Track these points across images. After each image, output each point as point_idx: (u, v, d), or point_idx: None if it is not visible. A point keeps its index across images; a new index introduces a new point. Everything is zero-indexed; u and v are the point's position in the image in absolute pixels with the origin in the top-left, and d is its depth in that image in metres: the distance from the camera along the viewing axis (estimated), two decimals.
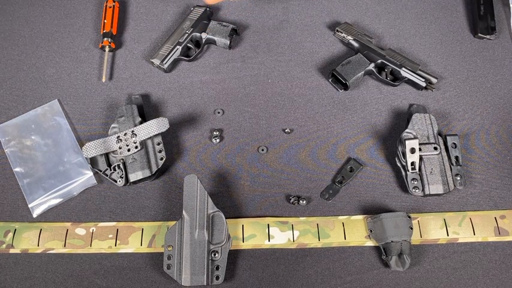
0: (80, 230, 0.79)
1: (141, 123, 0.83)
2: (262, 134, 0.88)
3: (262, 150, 0.86)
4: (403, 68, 0.89)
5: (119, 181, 0.80)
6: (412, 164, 0.79)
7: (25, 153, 0.85)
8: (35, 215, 0.80)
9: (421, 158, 0.80)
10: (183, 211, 0.75)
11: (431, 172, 0.79)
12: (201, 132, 0.88)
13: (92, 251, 0.78)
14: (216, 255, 0.73)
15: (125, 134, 0.81)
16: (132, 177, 0.80)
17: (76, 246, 0.78)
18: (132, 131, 0.81)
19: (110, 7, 0.96)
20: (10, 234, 0.78)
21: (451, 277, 0.75)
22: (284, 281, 0.75)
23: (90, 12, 1.00)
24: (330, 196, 0.81)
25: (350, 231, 0.78)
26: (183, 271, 0.72)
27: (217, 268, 0.73)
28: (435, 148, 0.81)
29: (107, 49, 0.92)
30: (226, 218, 0.75)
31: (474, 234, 0.78)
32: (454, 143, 0.81)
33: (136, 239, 0.78)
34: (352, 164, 0.83)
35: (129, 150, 0.81)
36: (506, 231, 0.78)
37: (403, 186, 0.81)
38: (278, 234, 0.78)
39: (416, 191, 0.79)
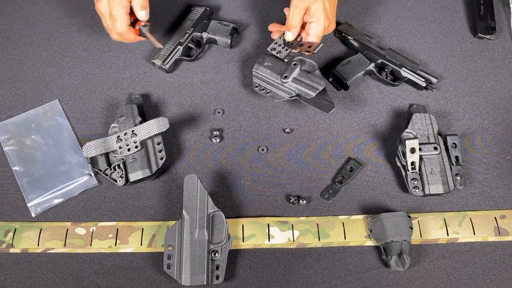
0: (80, 230, 0.79)
1: (141, 123, 0.83)
2: (262, 133, 0.88)
3: (263, 150, 0.86)
4: (403, 68, 0.89)
5: (119, 181, 0.80)
6: (412, 163, 0.79)
7: (25, 153, 0.85)
8: (34, 215, 0.80)
9: (421, 158, 0.80)
10: (183, 211, 0.75)
11: (431, 172, 0.79)
12: (201, 132, 0.88)
13: (92, 251, 0.78)
14: (216, 254, 0.73)
15: (125, 134, 0.81)
16: (132, 177, 0.80)
17: (76, 245, 0.78)
18: (132, 131, 0.81)
19: None
20: (10, 234, 0.79)
21: (451, 277, 0.75)
22: (284, 281, 0.75)
23: (90, 12, 1.00)
24: (330, 196, 0.81)
25: (350, 231, 0.78)
26: (183, 271, 0.72)
27: (217, 268, 0.73)
28: (435, 148, 0.81)
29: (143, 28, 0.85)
30: (226, 218, 0.75)
31: (474, 234, 0.78)
32: (454, 143, 0.81)
33: (136, 238, 0.78)
34: (352, 164, 0.83)
35: (129, 149, 0.81)
36: (506, 231, 0.78)
37: (403, 186, 0.81)
38: (278, 234, 0.78)
39: (416, 190, 0.79)
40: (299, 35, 0.84)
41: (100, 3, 0.80)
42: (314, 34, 0.81)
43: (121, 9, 0.79)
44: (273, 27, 0.91)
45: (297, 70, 0.83)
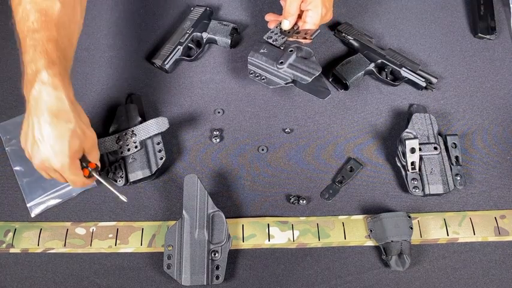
0: (80, 230, 0.79)
1: (141, 123, 0.83)
2: (262, 133, 0.88)
3: (263, 150, 0.86)
4: (403, 68, 0.89)
5: (119, 181, 0.80)
6: (412, 163, 0.79)
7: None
8: (33, 215, 0.80)
9: (421, 158, 0.80)
10: (183, 211, 0.75)
11: (431, 172, 0.79)
12: (201, 132, 0.88)
13: (92, 251, 0.78)
14: (216, 254, 0.73)
15: (125, 134, 0.81)
16: (132, 177, 0.80)
17: (76, 245, 0.78)
18: (132, 131, 0.81)
19: None
20: (10, 234, 0.78)
21: (451, 277, 0.75)
22: (284, 281, 0.75)
23: (90, 12, 1.00)
24: (330, 196, 0.81)
25: (350, 231, 0.78)
26: (183, 271, 0.72)
27: (217, 268, 0.73)
28: (435, 148, 0.81)
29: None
30: (226, 218, 0.75)
31: (474, 234, 0.78)
32: (454, 143, 0.81)
33: (136, 238, 0.78)
34: (352, 164, 0.83)
35: (128, 150, 0.81)
36: (506, 231, 0.78)
37: (403, 186, 0.81)
38: (278, 234, 0.78)
39: (416, 190, 0.79)
40: (296, 23, 0.84)
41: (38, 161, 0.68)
42: (311, 22, 0.81)
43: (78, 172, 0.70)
44: (270, 17, 0.91)
45: (293, 56, 0.82)
